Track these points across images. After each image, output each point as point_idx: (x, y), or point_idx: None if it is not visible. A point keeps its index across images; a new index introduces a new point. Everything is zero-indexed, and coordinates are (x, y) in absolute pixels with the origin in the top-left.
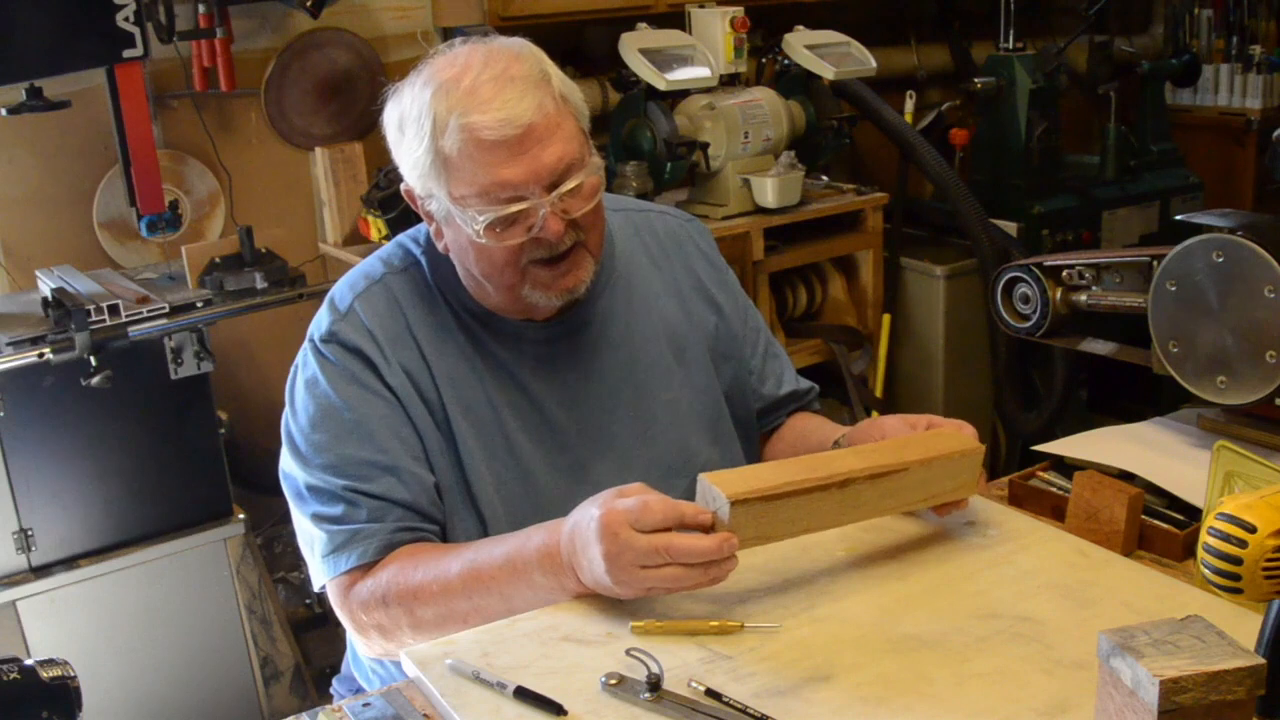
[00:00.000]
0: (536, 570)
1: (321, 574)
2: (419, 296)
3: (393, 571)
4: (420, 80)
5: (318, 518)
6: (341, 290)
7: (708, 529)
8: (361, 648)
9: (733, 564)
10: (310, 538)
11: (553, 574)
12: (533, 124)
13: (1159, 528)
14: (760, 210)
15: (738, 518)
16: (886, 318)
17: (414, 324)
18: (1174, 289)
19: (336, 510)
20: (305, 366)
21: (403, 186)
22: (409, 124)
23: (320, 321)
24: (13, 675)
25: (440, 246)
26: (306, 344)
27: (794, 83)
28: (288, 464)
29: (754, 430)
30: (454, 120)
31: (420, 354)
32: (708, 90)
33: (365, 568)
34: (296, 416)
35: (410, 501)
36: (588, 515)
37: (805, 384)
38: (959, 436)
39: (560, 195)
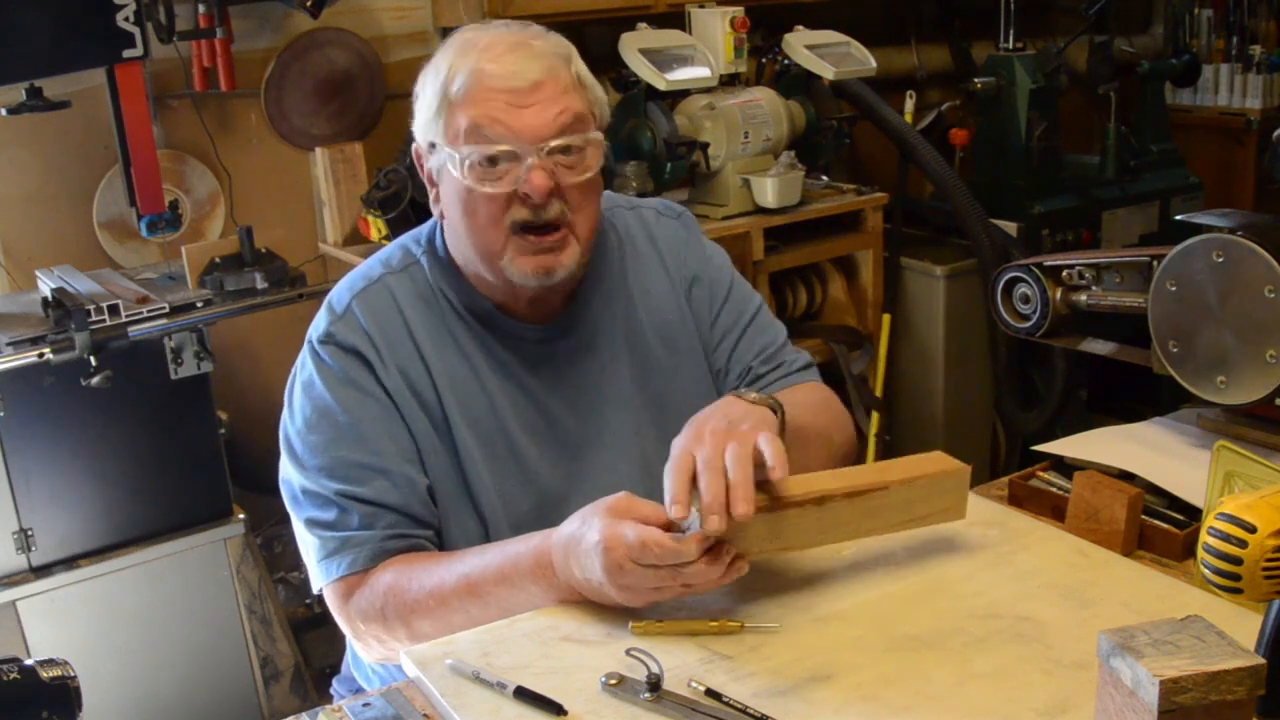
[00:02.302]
0: (530, 583)
1: (317, 579)
2: (418, 297)
3: (388, 584)
4: (447, 44)
5: (311, 523)
6: (340, 292)
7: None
8: (361, 652)
9: (740, 568)
10: (305, 542)
11: (548, 587)
12: (540, 82)
13: (1159, 528)
14: (760, 210)
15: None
16: (886, 318)
17: (413, 325)
18: (1174, 289)
19: (329, 515)
20: (303, 368)
21: (414, 146)
22: (427, 79)
23: (318, 323)
24: (13, 675)
25: (437, 213)
26: (305, 345)
27: (794, 83)
28: (284, 468)
29: None
30: (466, 65)
31: (419, 355)
32: (708, 90)
33: (359, 575)
34: (293, 418)
35: (402, 505)
36: (588, 539)
37: (804, 358)
38: (945, 458)
39: (550, 150)
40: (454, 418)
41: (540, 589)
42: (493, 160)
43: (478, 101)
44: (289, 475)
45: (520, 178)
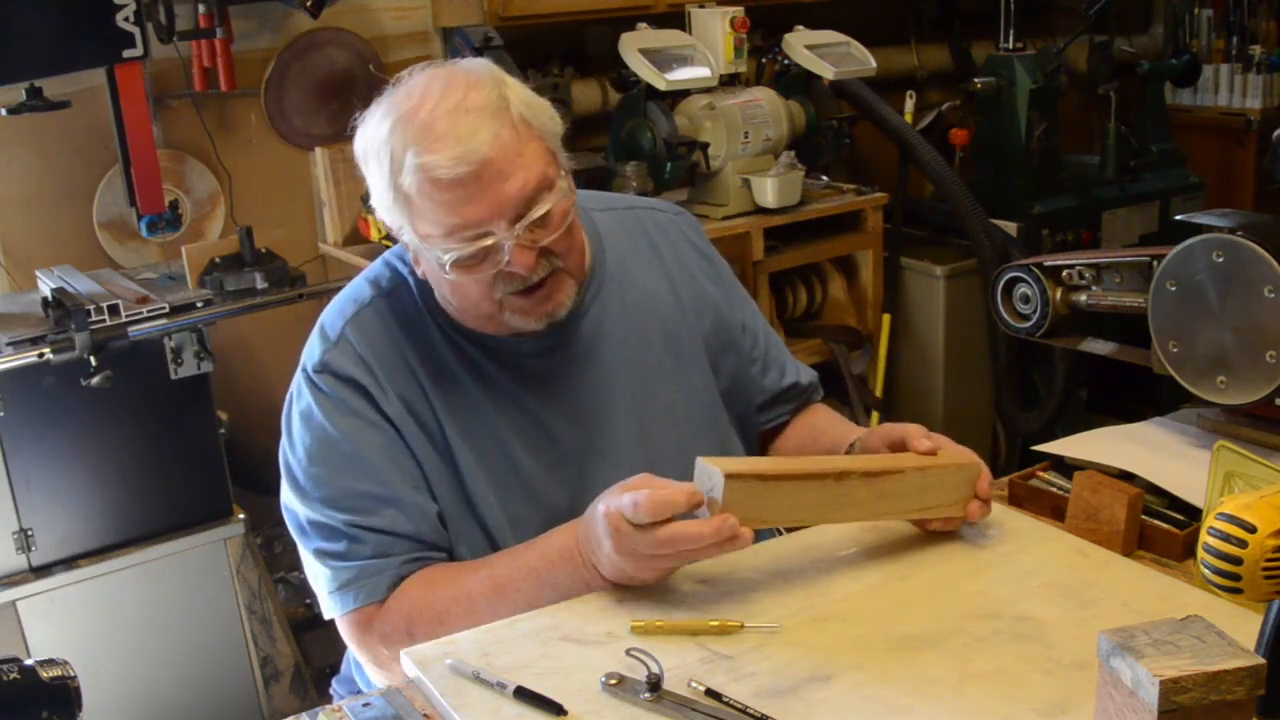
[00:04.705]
0: (560, 573)
1: (330, 609)
2: (409, 319)
3: (411, 600)
4: (380, 111)
5: (321, 554)
6: (331, 316)
7: (701, 505)
8: (378, 678)
9: (744, 538)
10: (315, 573)
11: (576, 574)
12: (489, 158)
13: (1159, 528)
14: (760, 210)
15: (731, 494)
16: (886, 318)
17: (407, 348)
18: (1174, 289)
19: (339, 546)
20: (299, 398)
21: (376, 215)
22: (370, 158)
23: (312, 350)
24: (13, 675)
25: (419, 272)
26: (299, 374)
27: (794, 83)
28: (288, 498)
29: (754, 426)
30: (409, 159)
31: (415, 379)
32: (708, 90)
33: (377, 603)
34: (294, 449)
35: (414, 533)
36: (596, 513)
37: (807, 376)
38: (959, 454)
39: (527, 225)
40: (454, 440)
41: (566, 574)
42: (471, 256)
43: (438, 203)
44: (292, 505)
45: (502, 260)
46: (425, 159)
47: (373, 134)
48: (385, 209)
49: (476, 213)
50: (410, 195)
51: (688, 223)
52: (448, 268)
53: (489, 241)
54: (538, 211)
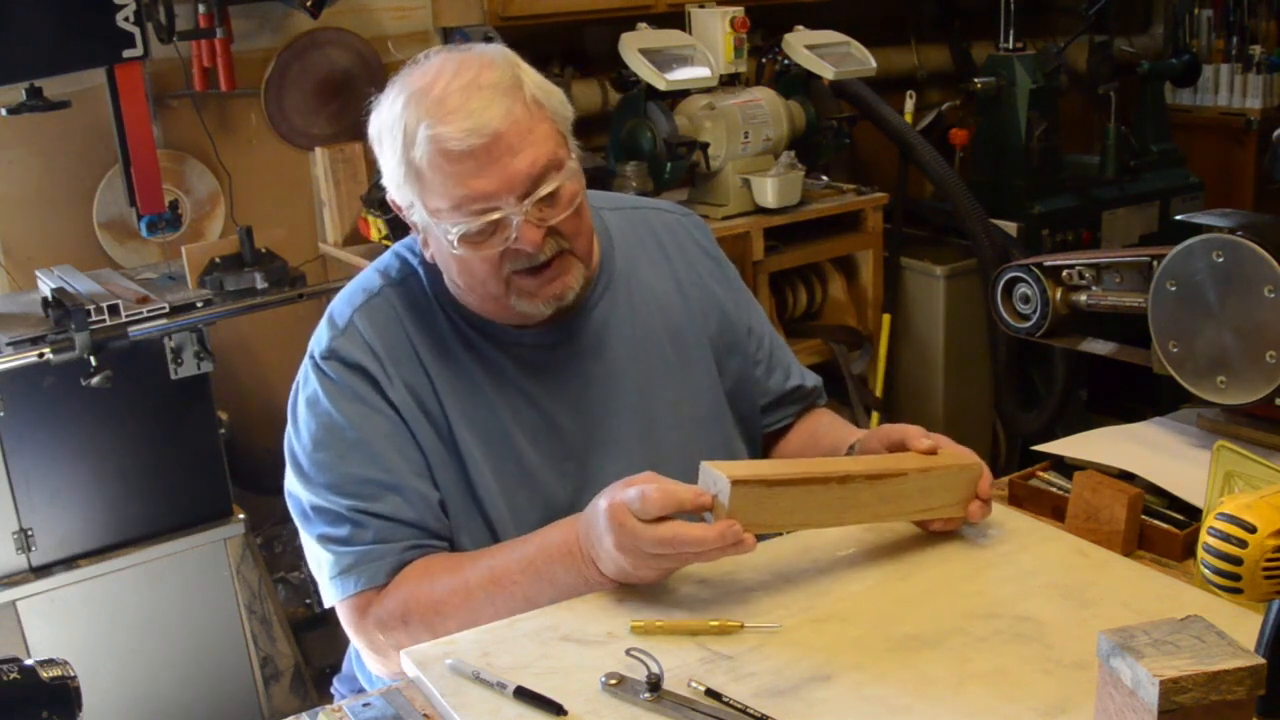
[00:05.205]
0: (559, 568)
1: (331, 595)
2: (418, 308)
3: (409, 589)
4: (394, 91)
5: (324, 539)
6: (340, 305)
7: (708, 508)
8: (376, 666)
9: (748, 544)
10: (317, 558)
11: (575, 569)
12: (500, 132)
13: (1159, 528)
14: (760, 210)
15: (737, 500)
16: (886, 318)
17: (415, 337)
18: (1174, 289)
19: (342, 531)
20: (306, 384)
21: (387, 195)
22: (384, 135)
23: (320, 338)
24: (13, 675)
25: (428, 255)
26: (307, 361)
27: (794, 83)
28: (292, 484)
29: (758, 428)
30: (422, 131)
31: (422, 368)
32: (708, 90)
33: (377, 589)
34: (299, 435)
35: (417, 520)
36: (598, 508)
37: (811, 380)
38: (959, 454)
39: (535, 202)
40: (459, 429)
41: (568, 574)
42: (480, 231)
43: (448, 175)
44: (296, 491)
45: (510, 236)
46: (438, 130)
47: (386, 113)
48: (396, 186)
49: (486, 186)
50: (421, 169)
51: (695, 224)
52: (456, 243)
53: (497, 216)
54: (546, 189)
